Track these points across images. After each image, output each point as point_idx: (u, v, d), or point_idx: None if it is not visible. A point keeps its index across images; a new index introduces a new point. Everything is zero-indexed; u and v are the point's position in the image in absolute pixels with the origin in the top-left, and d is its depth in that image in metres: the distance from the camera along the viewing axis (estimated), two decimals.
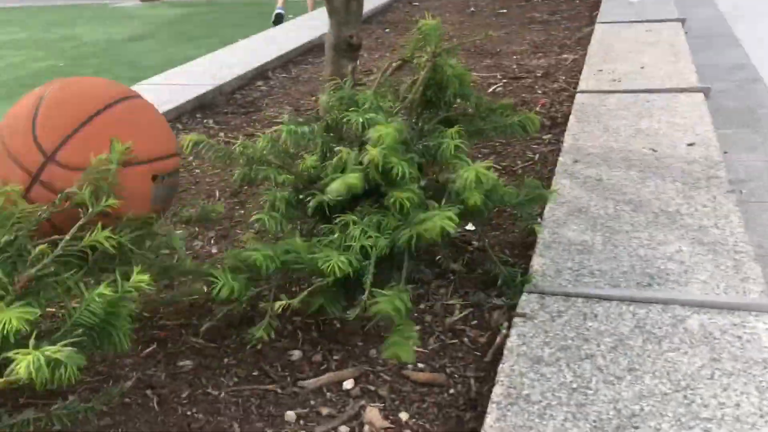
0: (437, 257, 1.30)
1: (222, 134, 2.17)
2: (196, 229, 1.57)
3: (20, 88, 4.38)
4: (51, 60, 5.18)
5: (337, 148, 1.08)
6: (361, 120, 1.14)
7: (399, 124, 1.11)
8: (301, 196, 1.16)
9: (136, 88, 2.60)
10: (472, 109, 1.32)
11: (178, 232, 1.56)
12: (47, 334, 0.88)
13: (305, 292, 0.99)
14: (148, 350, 1.14)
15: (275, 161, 1.11)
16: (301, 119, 1.22)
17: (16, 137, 1.11)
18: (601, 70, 2.35)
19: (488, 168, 1.04)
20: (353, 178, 1.03)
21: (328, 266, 0.94)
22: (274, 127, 1.15)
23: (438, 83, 1.28)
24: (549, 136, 1.92)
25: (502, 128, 1.29)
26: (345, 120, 1.17)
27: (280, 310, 1.00)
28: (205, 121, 2.30)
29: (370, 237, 0.99)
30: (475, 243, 1.38)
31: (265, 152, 1.11)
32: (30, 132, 1.10)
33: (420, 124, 1.30)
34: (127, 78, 4.40)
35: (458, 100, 1.32)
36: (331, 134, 1.21)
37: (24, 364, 0.74)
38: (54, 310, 1.20)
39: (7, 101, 4.10)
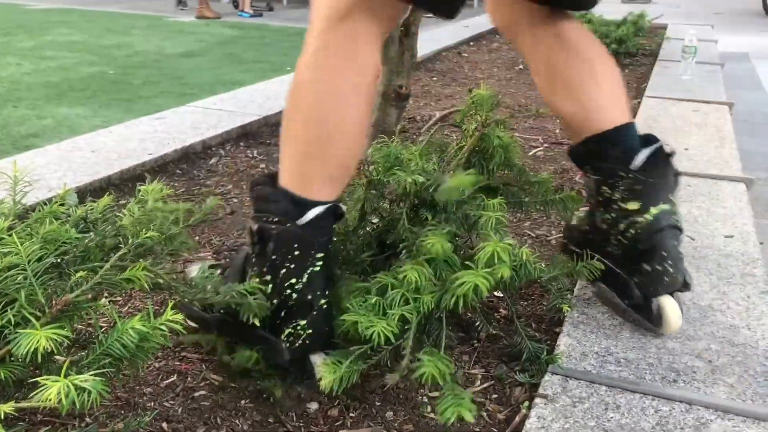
0: (463, 322, 1.30)
1: (263, 165, 2.20)
2: (227, 260, 1.58)
3: (70, 90, 4.49)
4: (102, 66, 5.31)
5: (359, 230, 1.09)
6: (409, 179, 1.15)
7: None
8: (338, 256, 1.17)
9: (184, 108, 2.66)
10: (514, 180, 1.33)
11: (209, 262, 1.58)
12: (75, 361, 0.89)
13: (349, 360, 0.99)
14: (167, 381, 1.15)
15: None
16: None
17: None
18: None
19: (511, 245, 1.04)
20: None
21: (372, 332, 0.94)
22: None
23: (484, 151, 1.29)
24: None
25: (542, 203, 1.30)
26: (390, 178, 1.18)
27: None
28: (248, 150, 2.34)
29: (409, 302, 1.00)
30: (503, 311, 1.38)
31: None
32: None
33: (462, 189, 1.31)
34: (175, 93, 4.49)
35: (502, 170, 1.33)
36: (374, 191, 1.23)
37: (54, 391, 0.75)
38: (82, 327, 1.21)
39: (55, 101, 4.21)
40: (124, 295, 1.40)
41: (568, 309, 1.21)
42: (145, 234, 0.98)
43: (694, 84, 3.41)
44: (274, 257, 1.05)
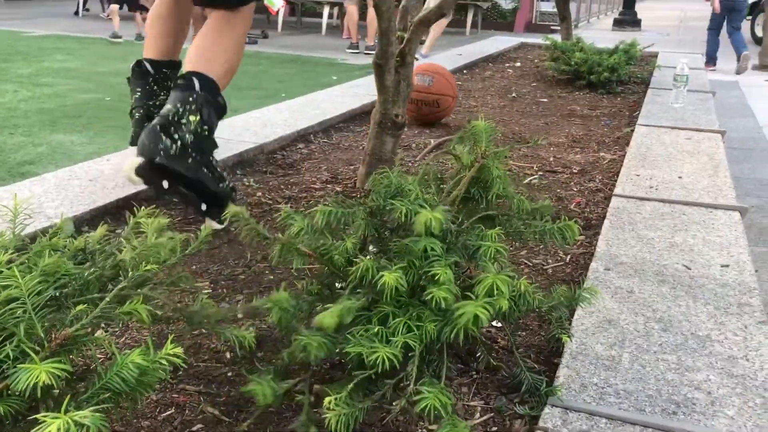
0: (462, 353, 1.29)
1: (260, 194, 2.20)
2: (224, 290, 1.58)
3: (64, 117, 4.50)
4: (98, 93, 5.33)
5: (359, 257, 1.09)
6: (405, 210, 1.16)
7: (442, 212, 1.12)
8: (336, 284, 1.17)
9: None
10: (512, 210, 1.34)
11: (206, 291, 1.57)
12: (74, 394, 0.88)
13: (350, 386, 0.98)
14: (165, 414, 1.14)
15: (306, 250, 1.13)
16: (343, 200, 1.24)
17: None
18: (638, 175, 2.36)
19: (512, 278, 1.04)
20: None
21: (376, 358, 0.94)
22: (313, 208, 1.17)
23: (483, 182, 1.30)
24: (582, 237, 1.92)
25: (540, 233, 1.30)
26: (390, 208, 1.19)
27: (313, 399, 1.00)
28: (244, 179, 2.34)
29: (412, 331, 1.00)
30: (502, 342, 1.37)
31: (296, 240, 1.13)
32: None
33: (461, 218, 1.32)
34: None
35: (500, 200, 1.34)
36: (374, 219, 1.23)
37: (54, 428, 0.74)
38: (80, 359, 1.20)
39: (51, 128, 4.21)
40: (121, 325, 1.39)
41: (567, 339, 1.21)
42: (145, 267, 0.98)
43: (686, 112, 3.45)
44: None
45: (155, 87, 2.27)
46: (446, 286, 1.07)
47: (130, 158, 1.73)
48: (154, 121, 1.74)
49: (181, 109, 1.79)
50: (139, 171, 1.70)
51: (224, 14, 2.03)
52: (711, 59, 8.08)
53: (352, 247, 1.19)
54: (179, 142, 1.75)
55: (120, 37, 8.56)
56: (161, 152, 1.70)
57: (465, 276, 1.24)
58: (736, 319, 1.42)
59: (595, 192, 2.33)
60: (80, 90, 5.35)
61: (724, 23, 8.11)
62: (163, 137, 1.72)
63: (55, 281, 0.95)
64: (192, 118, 1.80)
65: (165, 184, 1.76)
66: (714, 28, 8.26)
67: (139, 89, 2.26)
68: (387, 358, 0.94)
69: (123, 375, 0.87)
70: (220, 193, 1.85)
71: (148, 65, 2.26)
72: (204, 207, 1.84)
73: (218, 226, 1.88)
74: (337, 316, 1.01)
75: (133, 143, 2.23)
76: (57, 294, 0.92)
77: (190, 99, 1.82)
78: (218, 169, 1.88)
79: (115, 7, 8.72)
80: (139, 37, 8.57)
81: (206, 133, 1.86)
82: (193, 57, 1.96)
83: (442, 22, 6.96)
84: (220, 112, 1.96)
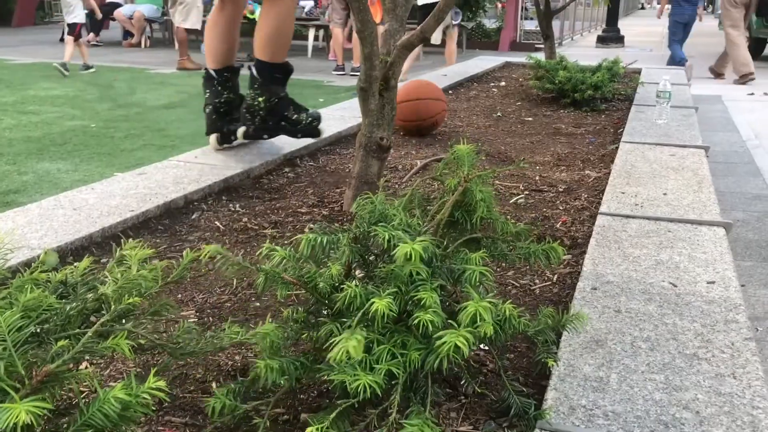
0: (450, 377, 1.29)
1: (246, 219, 2.19)
2: (210, 319, 1.57)
3: (51, 145, 4.48)
4: (84, 120, 5.32)
5: (346, 284, 1.09)
6: (387, 236, 1.16)
7: (425, 242, 1.12)
8: (322, 311, 1.17)
9: (166, 163, 2.66)
10: (497, 233, 1.34)
11: (191, 320, 1.56)
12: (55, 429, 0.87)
13: (333, 415, 0.98)
14: None
15: (290, 278, 1.12)
16: (327, 228, 1.24)
17: None
18: (623, 192, 2.38)
19: (494, 305, 1.04)
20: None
21: (357, 386, 0.93)
22: (298, 236, 1.16)
23: (466, 205, 1.30)
24: (569, 256, 1.93)
25: (525, 255, 1.30)
26: (373, 234, 1.19)
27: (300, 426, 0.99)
28: (230, 204, 2.34)
29: (396, 358, 0.99)
30: (490, 365, 1.37)
31: (279, 269, 1.12)
32: None
33: (446, 242, 1.32)
34: (157, 146, 4.50)
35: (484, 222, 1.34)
36: (359, 245, 1.23)
37: None
38: (63, 392, 1.19)
39: (36, 156, 4.20)
40: (105, 358, 1.38)
41: (553, 363, 1.21)
42: (128, 300, 0.97)
43: (669, 128, 3.48)
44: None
45: (219, 88, 2.86)
46: (433, 309, 1.06)
47: (212, 137, 2.86)
48: (209, 111, 2.85)
49: (253, 96, 2.74)
50: (245, 136, 2.83)
51: (265, 3, 2.71)
52: (681, 62, 8.49)
53: (338, 274, 1.19)
54: (257, 119, 2.76)
55: (92, 67, 8.06)
56: (250, 128, 2.78)
57: (451, 300, 1.23)
58: (723, 336, 1.42)
59: (581, 210, 2.34)
60: (66, 117, 5.34)
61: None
62: (249, 117, 2.76)
63: (36, 316, 0.94)
64: (260, 99, 2.73)
65: (232, 138, 2.87)
66: (677, 40, 8.92)
67: (207, 90, 2.88)
68: (369, 385, 0.94)
69: (105, 410, 0.86)
70: (304, 128, 2.79)
71: (211, 72, 2.86)
72: (299, 136, 2.85)
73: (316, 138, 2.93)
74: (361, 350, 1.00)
75: (207, 133, 2.91)
76: (38, 330, 0.91)
77: (255, 86, 2.74)
78: (295, 112, 2.78)
79: (69, 38, 8.18)
80: (85, 66, 8.03)
81: (275, 101, 2.75)
82: (254, 46, 2.75)
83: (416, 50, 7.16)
84: (283, 77, 2.82)
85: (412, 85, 3.61)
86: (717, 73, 8.51)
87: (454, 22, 7.97)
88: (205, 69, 2.89)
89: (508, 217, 2.27)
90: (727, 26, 8.24)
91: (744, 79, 7.91)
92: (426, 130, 3.49)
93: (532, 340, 1.41)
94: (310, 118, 2.78)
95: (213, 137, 2.84)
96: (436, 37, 7.56)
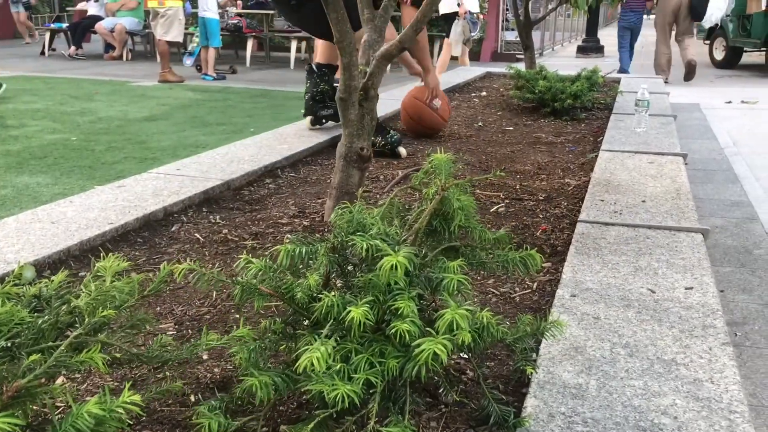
0: (430, 386, 1.28)
1: (226, 231, 2.18)
2: (189, 331, 1.56)
3: (31, 159, 4.44)
4: (65, 133, 5.28)
5: (324, 294, 1.09)
6: (365, 245, 1.16)
7: (407, 253, 1.12)
8: (301, 321, 1.16)
9: (146, 175, 2.64)
10: (474, 241, 1.34)
11: (170, 333, 1.55)
12: None
13: (311, 425, 0.97)
14: None
15: (266, 290, 1.12)
16: (306, 238, 1.24)
17: None
18: (603, 200, 2.39)
19: (472, 313, 1.04)
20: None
21: (335, 395, 0.93)
22: (276, 247, 1.16)
23: (444, 214, 1.30)
24: (548, 264, 1.93)
25: (503, 263, 1.31)
26: (351, 244, 1.19)
27: None
28: (211, 216, 2.32)
29: (375, 367, 0.99)
30: (470, 373, 1.37)
31: (255, 280, 1.12)
32: None
33: (424, 251, 1.32)
34: (138, 158, 4.48)
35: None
36: (337, 255, 1.22)
37: None
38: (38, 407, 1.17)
39: (16, 170, 4.16)
40: (82, 372, 1.36)
41: (533, 371, 1.21)
42: (102, 312, 0.96)
43: (648, 136, 3.51)
44: None
45: (317, 80, 3.58)
46: (410, 319, 1.06)
47: (307, 118, 3.65)
48: (308, 97, 3.61)
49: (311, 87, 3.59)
50: (312, 123, 3.63)
51: None
52: (624, 70, 9.19)
53: (315, 284, 1.19)
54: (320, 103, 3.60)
55: (1, 85, 6.86)
56: (317, 112, 3.62)
57: (430, 309, 1.23)
58: (700, 341, 1.43)
59: (561, 218, 2.35)
60: (47, 130, 5.30)
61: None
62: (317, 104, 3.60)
63: (8, 331, 0.93)
64: (323, 86, 3.56)
65: (323, 121, 3.65)
66: (624, 47, 9.54)
67: (308, 81, 3.61)
68: (347, 395, 0.93)
69: (78, 426, 0.85)
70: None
71: (314, 66, 3.60)
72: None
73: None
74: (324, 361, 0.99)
75: (304, 115, 3.69)
76: (9, 344, 0.90)
77: (314, 80, 3.58)
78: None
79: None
80: None
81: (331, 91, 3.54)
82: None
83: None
84: (332, 74, 3.58)
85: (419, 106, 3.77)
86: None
87: (472, 34, 8.27)
88: (310, 63, 3.72)
89: (489, 226, 2.28)
90: (657, 31, 8.92)
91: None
92: (420, 132, 3.80)
93: (511, 348, 1.42)
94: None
95: (308, 119, 3.63)
96: (456, 49, 7.98)
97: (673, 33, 8.97)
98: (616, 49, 9.81)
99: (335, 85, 3.36)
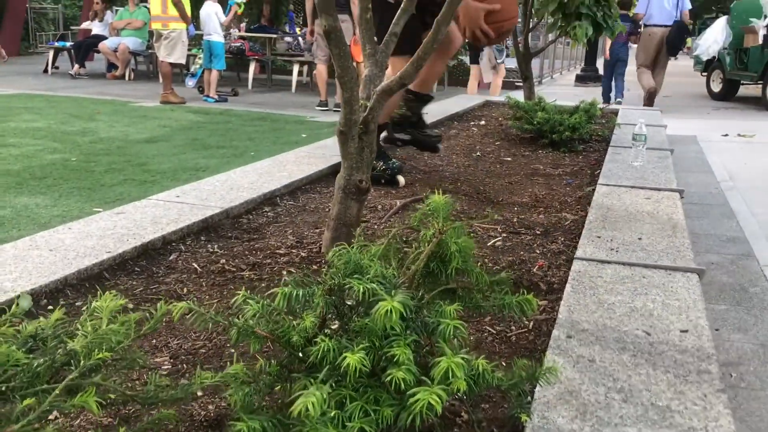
0: (424, 429, 1.28)
1: (223, 261, 2.19)
2: (184, 366, 1.55)
3: (31, 179, 4.45)
4: (65, 153, 5.30)
5: (320, 338, 1.09)
6: (362, 289, 1.16)
7: (405, 298, 1.13)
8: (295, 363, 1.16)
9: (145, 202, 2.65)
10: (471, 284, 1.35)
11: (165, 368, 1.54)
12: None
13: None
14: None
15: (262, 332, 1.12)
16: (303, 280, 1.24)
17: None
18: (599, 237, 2.40)
19: (467, 361, 1.05)
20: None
21: None
22: (273, 289, 1.17)
23: (441, 256, 1.31)
24: (545, 302, 1.94)
25: (500, 307, 1.31)
26: (348, 286, 1.19)
27: None
28: (209, 245, 2.33)
29: (369, 415, 0.99)
30: (464, 416, 1.37)
31: (252, 322, 1.12)
32: None
33: (421, 293, 1.33)
34: (137, 181, 4.49)
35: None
36: (334, 297, 1.23)
37: None
38: None
39: (15, 190, 4.17)
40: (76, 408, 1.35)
41: (527, 419, 1.21)
42: (97, 355, 0.96)
43: (645, 171, 3.53)
44: None
45: (402, 103, 3.61)
46: (406, 366, 1.07)
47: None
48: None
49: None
50: (384, 141, 3.58)
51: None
52: (606, 99, 10.08)
53: (311, 326, 1.19)
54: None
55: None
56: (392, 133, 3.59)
57: (426, 352, 1.24)
58: (695, 387, 1.43)
59: (558, 254, 2.36)
60: (47, 150, 5.32)
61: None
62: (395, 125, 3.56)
63: (3, 372, 0.93)
64: (404, 110, 3.51)
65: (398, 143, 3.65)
66: (607, 76, 10.40)
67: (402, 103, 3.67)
68: None
69: None
70: (428, 141, 3.63)
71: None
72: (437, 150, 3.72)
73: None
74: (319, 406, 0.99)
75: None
76: (4, 388, 0.90)
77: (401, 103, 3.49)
78: (423, 131, 3.61)
79: None
80: None
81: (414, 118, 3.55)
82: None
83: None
84: (418, 103, 3.53)
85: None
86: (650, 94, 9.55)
87: (498, 61, 8.65)
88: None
89: (486, 260, 2.28)
90: (638, 65, 9.65)
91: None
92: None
93: (506, 392, 1.42)
94: (435, 134, 3.71)
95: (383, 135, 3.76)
96: (487, 76, 8.42)
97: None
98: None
99: (420, 113, 3.53)
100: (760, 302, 2.76)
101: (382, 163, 3.29)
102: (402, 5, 2.23)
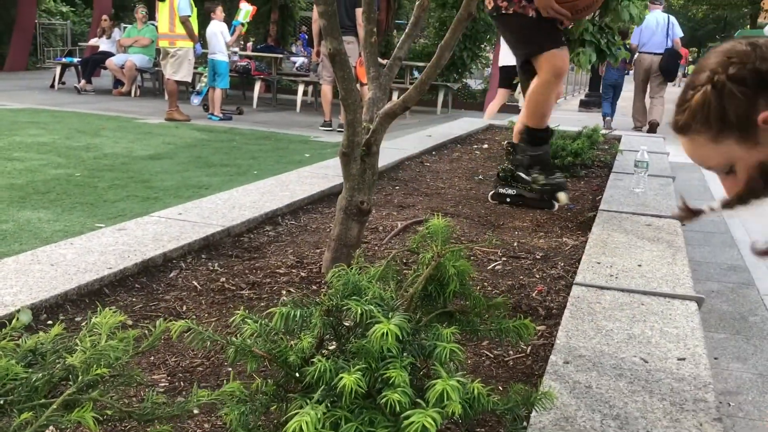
0: None
1: (223, 279, 2.20)
2: (181, 383, 1.56)
3: (34, 193, 4.47)
4: (69, 168, 5.33)
5: (317, 358, 1.10)
6: (359, 311, 1.17)
7: (400, 320, 1.13)
8: (292, 383, 1.17)
9: (147, 219, 2.67)
10: (468, 308, 1.36)
11: (162, 385, 1.55)
12: None
13: None
14: None
15: (260, 352, 1.13)
16: (301, 300, 1.25)
17: None
18: (599, 263, 2.41)
19: (463, 384, 1.05)
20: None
21: None
22: (271, 309, 1.17)
23: (440, 279, 1.32)
24: (543, 327, 1.94)
25: (497, 331, 1.32)
26: (346, 308, 1.20)
27: None
28: (209, 263, 2.34)
29: None
30: None
31: (249, 342, 1.13)
32: None
33: (419, 315, 1.33)
34: (140, 198, 4.50)
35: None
36: (331, 318, 1.24)
37: None
38: None
39: (18, 204, 4.19)
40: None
41: None
42: (95, 370, 0.97)
43: (647, 197, 3.55)
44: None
45: (505, 157, 3.69)
46: (401, 389, 1.07)
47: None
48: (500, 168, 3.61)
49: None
50: (491, 197, 3.56)
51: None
52: (605, 116, 10.63)
53: (309, 347, 1.20)
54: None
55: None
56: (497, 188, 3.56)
57: (422, 375, 1.24)
58: (691, 416, 1.43)
59: (557, 279, 2.37)
60: (52, 165, 5.35)
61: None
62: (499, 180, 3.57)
63: (2, 386, 0.94)
64: (507, 164, 3.50)
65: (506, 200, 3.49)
66: (607, 99, 10.88)
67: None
68: None
69: None
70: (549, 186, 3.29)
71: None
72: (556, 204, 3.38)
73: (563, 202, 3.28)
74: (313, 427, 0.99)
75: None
76: (2, 401, 0.91)
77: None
78: (546, 177, 3.26)
79: None
80: None
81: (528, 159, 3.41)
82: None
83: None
84: (538, 141, 3.26)
85: None
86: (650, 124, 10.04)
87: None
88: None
89: (485, 284, 2.29)
90: (634, 87, 10.25)
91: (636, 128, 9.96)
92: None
93: (501, 416, 1.42)
94: (557, 179, 3.27)
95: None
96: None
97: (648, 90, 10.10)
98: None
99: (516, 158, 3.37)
100: (760, 331, 2.75)
101: (542, 177, 2.99)
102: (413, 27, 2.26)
